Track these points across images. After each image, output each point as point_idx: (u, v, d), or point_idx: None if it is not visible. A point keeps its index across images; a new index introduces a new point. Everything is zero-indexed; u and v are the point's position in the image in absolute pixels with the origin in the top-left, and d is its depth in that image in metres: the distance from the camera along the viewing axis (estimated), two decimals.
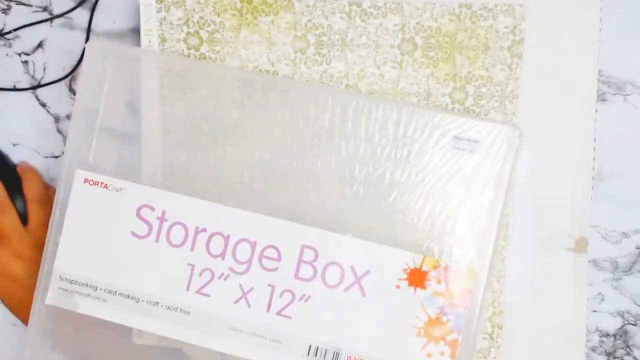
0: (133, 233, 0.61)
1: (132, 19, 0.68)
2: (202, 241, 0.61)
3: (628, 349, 0.69)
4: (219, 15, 0.65)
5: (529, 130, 0.64)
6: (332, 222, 0.61)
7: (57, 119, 0.69)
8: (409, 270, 0.60)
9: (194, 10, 0.65)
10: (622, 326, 0.69)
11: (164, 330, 0.61)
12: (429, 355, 0.59)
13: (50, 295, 0.62)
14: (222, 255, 0.61)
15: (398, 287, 0.60)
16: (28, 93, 0.69)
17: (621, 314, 0.69)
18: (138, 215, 0.61)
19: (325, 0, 0.65)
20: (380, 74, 0.65)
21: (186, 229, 0.61)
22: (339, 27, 0.65)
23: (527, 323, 0.66)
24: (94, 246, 0.62)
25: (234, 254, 0.61)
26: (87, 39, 0.68)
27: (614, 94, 0.67)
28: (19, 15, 0.69)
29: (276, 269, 0.61)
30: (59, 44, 0.69)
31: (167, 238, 0.61)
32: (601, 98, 0.67)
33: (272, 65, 0.65)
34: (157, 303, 0.61)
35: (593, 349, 0.69)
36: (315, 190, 0.61)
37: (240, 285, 0.61)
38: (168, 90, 0.62)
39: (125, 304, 0.62)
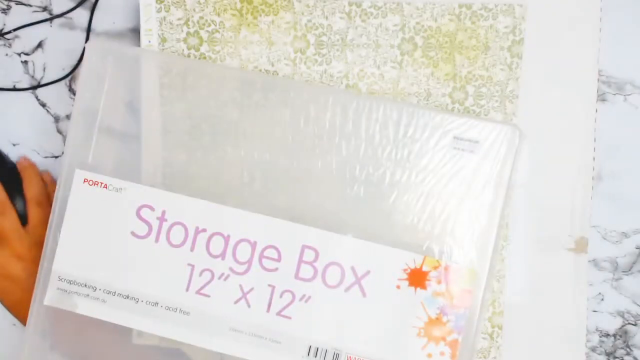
0: (133, 233, 0.61)
1: (132, 19, 0.68)
2: (202, 241, 0.61)
3: (628, 349, 0.69)
4: (219, 15, 0.65)
5: (529, 130, 0.64)
6: (332, 223, 0.61)
7: (57, 119, 0.69)
8: (409, 270, 0.60)
9: (194, 10, 0.65)
10: (622, 326, 0.69)
11: (163, 331, 0.61)
12: (429, 355, 0.59)
13: (48, 295, 0.62)
14: (222, 255, 0.61)
15: (398, 287, 0.60)
16: (28, 93, 0.69)
17: (621, 314, 0.69)
18: (138, 215, 0.61)
19: (325, 0, 0.65)
20: (380, 74, 0.65)
21: (186, 229, 0.61)
22: (339, 27, 0.65)
23: (527, 323, 0.66)
24: (93, 246, 0.62)
25: (234, 254, 0.61)
26: (87, 39, 0.68)
27: (614, 94, 0.67)
28: (18, 15, 0.68)
29: (276, 269, 0.61)
30: (59, 44, 0.69)
31: (167, 238, 0.61)
32: (601, 98, 0.67)
33: (272, 65, 0.65)
34: (157, 303, 0.61)
35: (593, 349, 0.69)
36: (315, 190, 0.61)
37: (240, 286, 0.61)
38: (168, 90, 0.62)
39: (124, 305, 0.61)
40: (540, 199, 0.66)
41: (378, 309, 0.60)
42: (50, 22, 0.69)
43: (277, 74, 0.65)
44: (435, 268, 0.59)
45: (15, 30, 0.68)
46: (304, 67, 0.65)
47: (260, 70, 0.65)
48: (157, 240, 0.61)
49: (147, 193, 0.61)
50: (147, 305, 0.61)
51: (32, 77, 0.69)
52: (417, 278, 0.60)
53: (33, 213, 0.67)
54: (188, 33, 0.65)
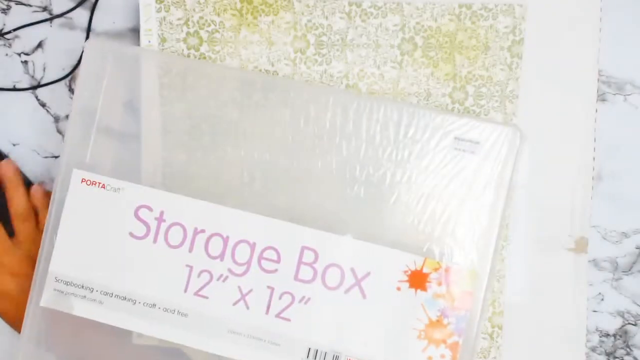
0: (131, 234, 0.61)
1: (132, 19, 0.68)
2: (201, 242, 0.61)
3: (628, 349, 0.69)
4: (219, 15, 0.65)
5: (529, 131, 0.64)
6: (332, 223, 0.60)
7: (56, 119, 0.69)
8: (409, 272, 0.60)
9: (194, 10, 0.65)
10: (622, 326, 0.69)
11: (161, 333, 0.61)
12: (429, 358, 0.59)
13: (45, 297, 0.62)
14: (221, 256, 0.61)
15: (399, 289, 0.60)
16: (28, 93, 0.69)
17: (621, 314, 0.69)
18: (136, 215, 0.61)
19: (325, 0, 0.65)
20: (380, 74, 0.65)
21: (184, 230, 0.61)
22: (339, 27, 0.65)
23: (527, 323, 0.66)
24: (91, 247, 0.61)
25: (233, 255, 0.61)
26: (87, 39, 0.68)
27: (614, 94, 0.67)
28: (18, 15, 0.68)
29: (276, 270, 0.60)
30: (59, 44, 0.69)
31: (165, 239, 0.61)
32: (601, 98, 0.67)
33: (272, 65, 0.65)
34: (155, 305, 0.61)
35: (593, 349, 0.69)
36: (315, 191, 0.61)
37: (239, 287, 0.61)
38: (168, 90, 0.62)
39: (122, 306, 0.61)
40: (540, 199, 0.66)
41: (378, 311, 0.60)
42: (50, 22, 0.68)
43: (277, 74, 0.65)
44: (436, 270, 0.59)
45: (15, 30, 0.68)
46: (304, 67, 0.65)
47: (260, 70, 0.65)
48: (155, 240, 0.61)
49: (145, 193, 0.61)
50: (144, 306, 0.61)
51: (32, 77, 0.69)
52: (417, 280, 0.59)
53: (20, 229, 0.66)
54: (188, 33, 0.65)
